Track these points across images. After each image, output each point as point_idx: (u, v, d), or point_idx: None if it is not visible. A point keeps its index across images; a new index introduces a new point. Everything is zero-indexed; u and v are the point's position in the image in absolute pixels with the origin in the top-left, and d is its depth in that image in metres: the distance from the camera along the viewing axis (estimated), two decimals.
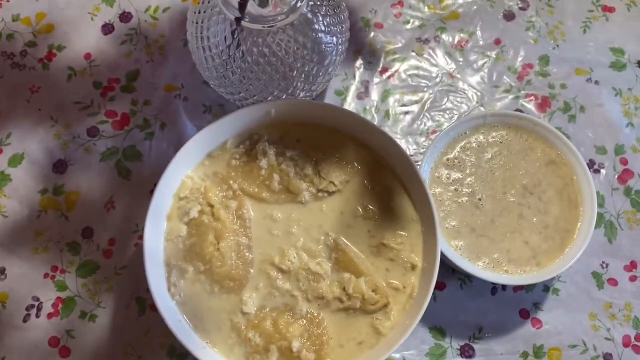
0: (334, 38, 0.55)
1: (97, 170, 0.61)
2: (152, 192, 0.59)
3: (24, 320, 0.56)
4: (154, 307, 0.56)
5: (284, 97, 0.56)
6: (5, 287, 0.57)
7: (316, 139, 0.54)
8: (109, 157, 0.61)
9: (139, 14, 0.67)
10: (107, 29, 0.66)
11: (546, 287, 0.60)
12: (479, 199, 0.56)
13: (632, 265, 0.61)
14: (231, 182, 0.52)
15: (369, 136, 0.53)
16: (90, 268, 0.58)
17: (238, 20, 0.48)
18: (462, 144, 0.58)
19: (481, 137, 0.58)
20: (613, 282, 0.60)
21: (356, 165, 0.54)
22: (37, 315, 0.57)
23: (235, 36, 0.51)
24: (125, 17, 0.67)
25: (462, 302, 0.59)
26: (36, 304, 0.57)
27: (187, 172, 0.52)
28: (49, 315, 0.57)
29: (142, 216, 0.59)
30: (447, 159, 0.58)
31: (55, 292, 0.57)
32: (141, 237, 0.58)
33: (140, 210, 0.59)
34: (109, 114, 0.63)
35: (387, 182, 0.53)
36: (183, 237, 0.51)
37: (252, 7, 0.48)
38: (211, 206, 0.51)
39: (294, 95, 0.57)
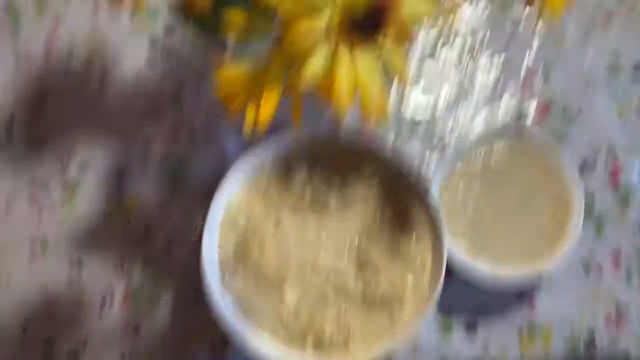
0: None
1: (153, 177, 0.70)
2: (203, 196, 0.69)
3: (101, 309, 0.68)
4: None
5: None
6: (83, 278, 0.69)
7: (339, 158, 0.63)
8: (162, 165, 0.71)
9: None
10: None
11: None
12: (481, 207, 0.66)
13: (616, 252, 0.70)
14: (271, 194, 0.62)
15: (386, 154, 0.62)
16: (152, 264, 0.69)
17: None
18: (468, 158, 0.67)
19: (483, 150, 0.67)
20: (598, 267, 0.70)
21: (376, 178, 0.63)
22: (111, 305, 0.68)
23: None
24: None
25: (466, 290, 0.68)
26: (109, 293, 0.68)
27: (235, 190, 0.62)
28: (122, 303, 0.68)
29: (195, 217, 0.70)
30: (454, 170, 0.67)
31: (125, 282, 0.69)
32: (195, 236, 0.69)
33: (193, 212, 0.70)
34: (160, 131, 0.72)
35: (404, 193, 0.62)
36: (232, 244, 0.61)
37: None
38: (254, 217, 0.61)
39: None
